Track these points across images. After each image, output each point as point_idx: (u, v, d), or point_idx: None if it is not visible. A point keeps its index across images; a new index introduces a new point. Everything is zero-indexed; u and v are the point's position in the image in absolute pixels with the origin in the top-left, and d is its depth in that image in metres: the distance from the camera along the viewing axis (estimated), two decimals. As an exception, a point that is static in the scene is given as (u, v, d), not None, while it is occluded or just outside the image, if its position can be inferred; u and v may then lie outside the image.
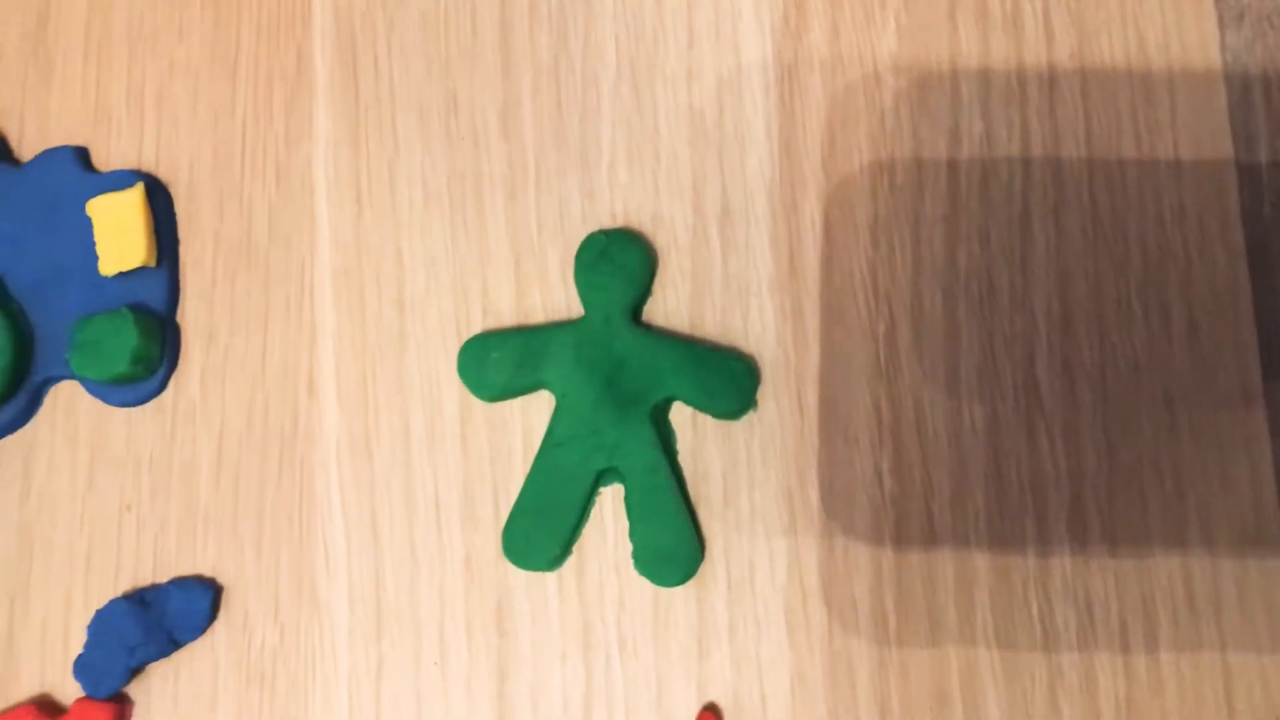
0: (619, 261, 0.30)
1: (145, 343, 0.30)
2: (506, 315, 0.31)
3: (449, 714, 0.29)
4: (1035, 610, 0.29)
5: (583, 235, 0.31)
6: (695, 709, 0.29)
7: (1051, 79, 0.31)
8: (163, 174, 0.32)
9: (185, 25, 0.33)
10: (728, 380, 0.30)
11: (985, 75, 0.32)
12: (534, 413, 0.31)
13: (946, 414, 0.30)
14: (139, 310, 0.30)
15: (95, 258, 0.31)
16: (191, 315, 0.31)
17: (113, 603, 0.29)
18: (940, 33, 0.32)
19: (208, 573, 0.30)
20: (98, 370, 0.30)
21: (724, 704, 0.29)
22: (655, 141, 0.32)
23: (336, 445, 0.31)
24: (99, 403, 0.31)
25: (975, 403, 0.30)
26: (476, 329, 0.31)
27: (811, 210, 0.31)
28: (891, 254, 0.31)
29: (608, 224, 0.31)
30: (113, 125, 0.32)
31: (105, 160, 0.32)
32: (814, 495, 0.30)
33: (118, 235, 0.30)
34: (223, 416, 0.31)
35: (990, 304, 0.31)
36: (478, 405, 0.31)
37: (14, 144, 0.32)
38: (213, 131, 0.32)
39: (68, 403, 0.31)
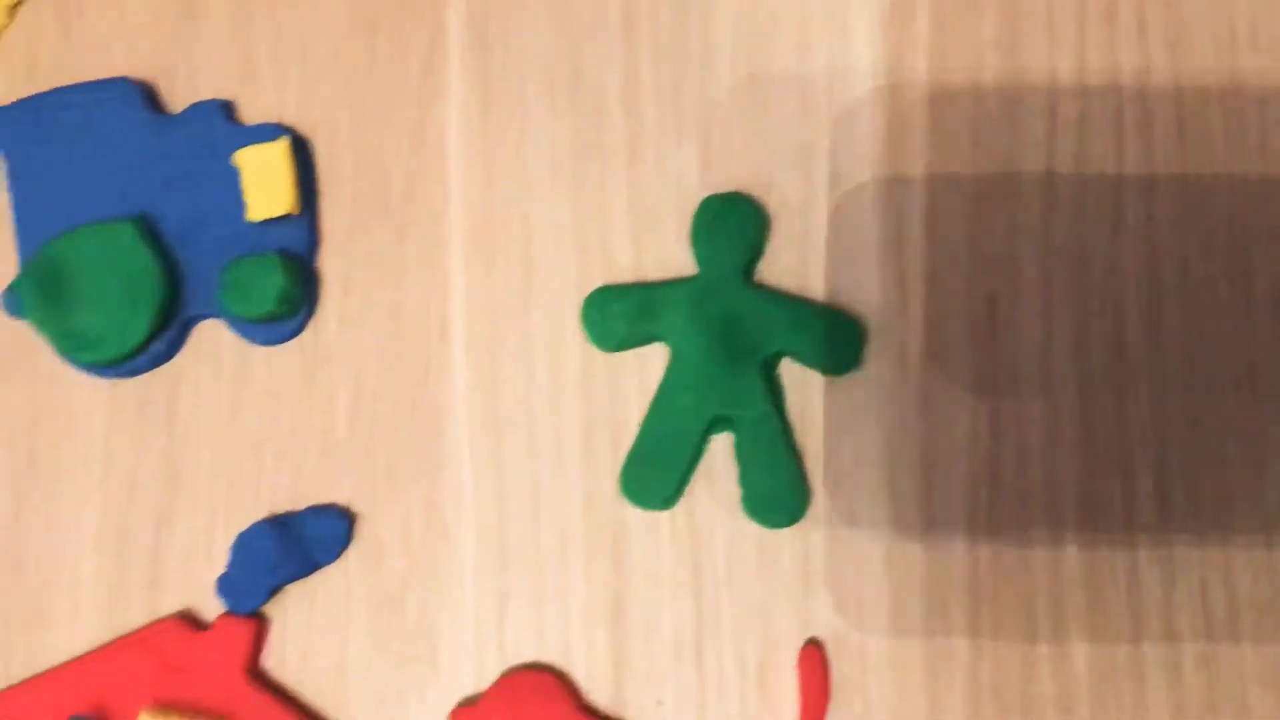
0: (735, 222, 0.32)
1: (290, 285, 0.32)
2: (625, 273, 0.33)
3: (568, 642, 0.31)
4: (1121, 568, 0.31)
5: (697, 200, 0.33)
6: (799, 644, 0.31)
7: (1147, 66, 0.33)
8: (303, 129, 0.34)
9: (327, -10, 0.34)
10: (837, 338, 0.32)
11: (1081, 55, 0.34)
12: (650, 364, 0.33)
13: (1041, 378, 0.32)
14: (284, 254, 0.32)
15: (241, 205, 0.32)
16: (330, 263, 0.33)
17: (256, 525, 0.32)
18: (1039, 20, 0.34)
19: (342, 503, 0.32)
20: (246, 309, 0.32)
21: (826, 641, 0.31)
22: (768, 113, 0.34)
23: (465, 389, 0.33)
24: (240, 341, 0.33)
25: (1068, 367, 0.32)
26: (597, 285, 0.33)
27: (915, 182, 0.33)
28: (991, 224, 0.33)
29: (722, 189, 0.33)
30: (256, 82, 0.34)
31: (249, 114, 0.34)
32: (915, 450, 0.32)
33: (264, 184, 0.32)
34: (359, 358, 0.33)
35: (1083, 273, 0.33)
36: (597, 355, 0.33)
37: (164, 97, 0.34)
38: (351, 91, 0.34)
39: (211, 340, 0.33)
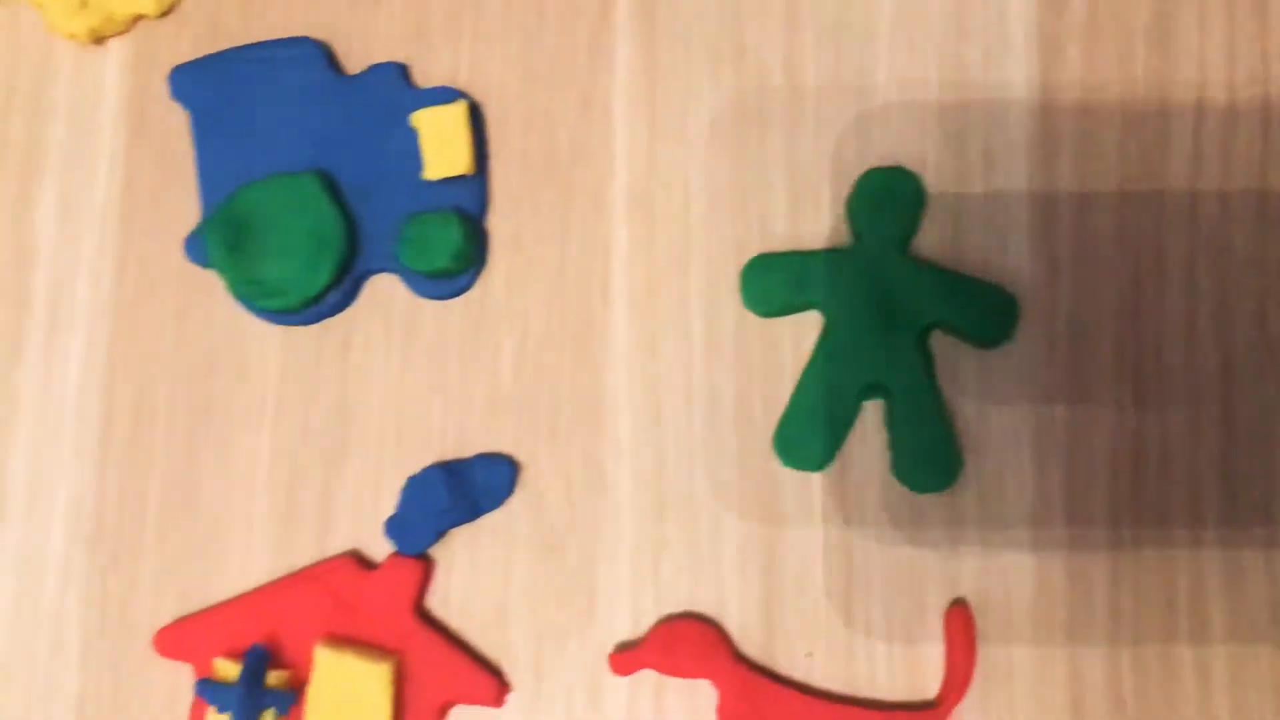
0: (894, 196, 0.34)
1: (465, 242, 0.33)
2: (780, 240, 0.34)
3: (721, 593, 0.33)
4: (1260, 536, 0.32)
5: (854, 172, 0.34)
6: (945, 604, 0.32)
7: (1300, 56, 0.34)
8: (475, 93, 0.35)
9: (500, -42, 0.36)
10: (990, 311, 0.33)
11: (1230, 45, 0.34)
12: (803, 330, 0.34)
13: (1184, 358, 0.33)
14: (459, 212, 0.33)
15: (418, 164, 0.34)
16: (498, 222, 0.35)
17: (426, 470, 0.33)
18: (1190, 10, 0.35)
19: (506, 452, 0.33)
20: (423, 263, 0.33)
21: (972, 600, 0.32)
22: (925, 91, 0.35)
23: (626, 347, 0.34)
24: (411, 295, 0.34)
25: (1210, 349, 0.33)
26: (753, 252, 0.34)
27: (1066, 164, 0.34)
28: (1138, 208, 0.34)
29: (878, 164, 0.34)
30: (430, 46, 0.35)
31: (423, 78, 0.35)
32: (1060, 422, 0.33)
33: (441, 144, 0.34)
34: (524, 315, 0.34)
35: (1226, 260, 0.34)
36: (752, 319, 0.34)
37: (341, 58, 0.35)
38: (521, 58, 0.35)
39: (384, 294, 0.34)
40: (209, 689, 0.31)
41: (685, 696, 0.32)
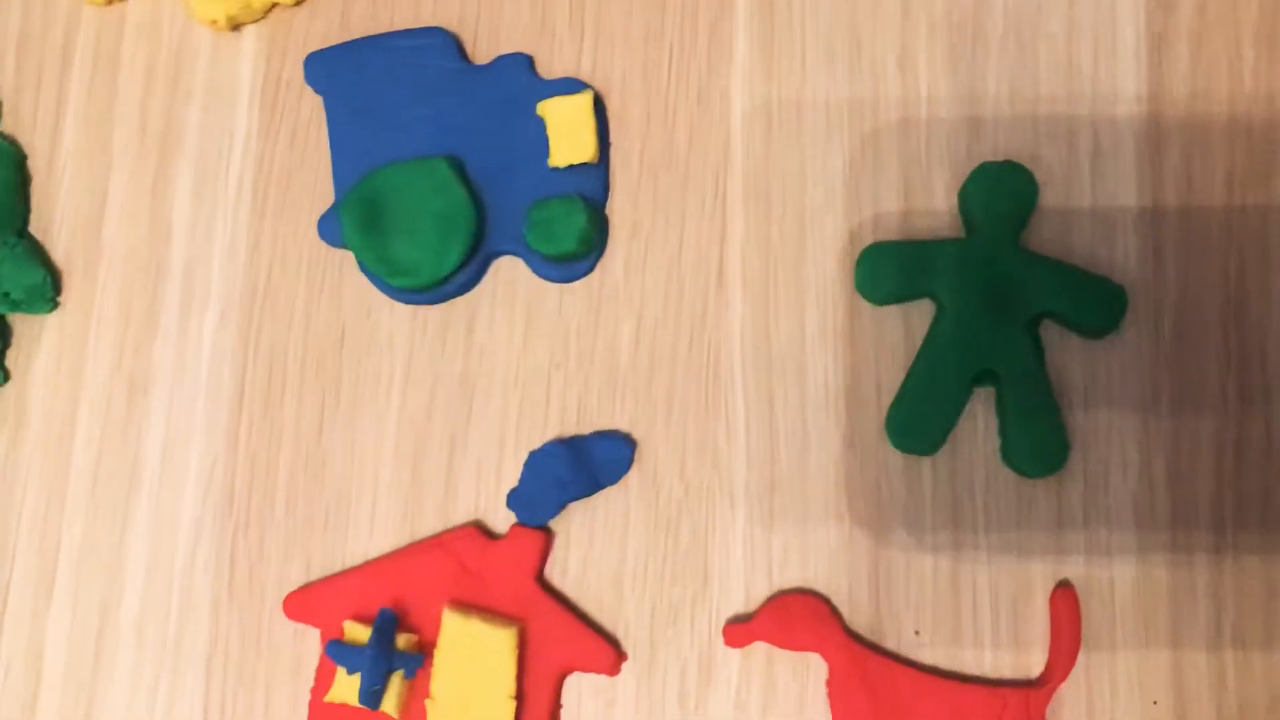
0: (1007, 188, 0.34)
1: (589, 227, 0.34)
2: (892, 230, 0.35)
3: (831, 571, 0.34)
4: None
5: (965, 166, 0.35)
6: (1051, 586, 0.33)
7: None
8: (597, 84, 0.36)
9: (623, -44, 0.37)
10: (1099, 302, 0.34)
11: (1338, 52, 0.35)
12: (914, 317, 0.35)
13: (1288, 348, 0.34)
14: (583, 198, 0.35)
15: (544, 151, 0.35)
16: (618, 209, 0.36)
17: (549, 445, 0.34)
18: (1297, 11, 0.36)
19: (624, 429, 0.35)
20: (548, 246, 0.34)
21: (1076, 584, 0.33)
22: (1035, 89, 0.36)
23: (740, 331, 0.35)
24: (534, 278, 0.35)
25: (1314, 341, 0.34)
26: (867, 241, 0.35)
27: (1173, 159, 0.35)
28: (1244, 202, 0.35)
29: (989, 158, 0.35)
30: (555, 39, 0.37)
31: (548, 69, 0.36)
32: (1165, 414, 0.34)
33: (567, 133, 0.35)
34: (642, 298, 0.35)
35: (1331, 256, 0.34)
36: (865, 306, 0.35)
37: (469, 49, 0.37)
38: (643, 51, 0.36)
39: (508, 276, 0.36)
40: (340, 650, 0.32)
41: (795, 669, 0.33)
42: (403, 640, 0.33)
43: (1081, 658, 0.33)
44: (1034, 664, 0.33)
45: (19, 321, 0.36)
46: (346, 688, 0.32)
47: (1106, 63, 0.36)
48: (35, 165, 0.37)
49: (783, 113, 0.36)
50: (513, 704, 0.32)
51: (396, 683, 0.32)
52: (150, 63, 0.37)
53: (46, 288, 0.36)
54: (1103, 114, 0.36)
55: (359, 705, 0.32)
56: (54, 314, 0.36)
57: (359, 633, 0.33)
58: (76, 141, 0.37)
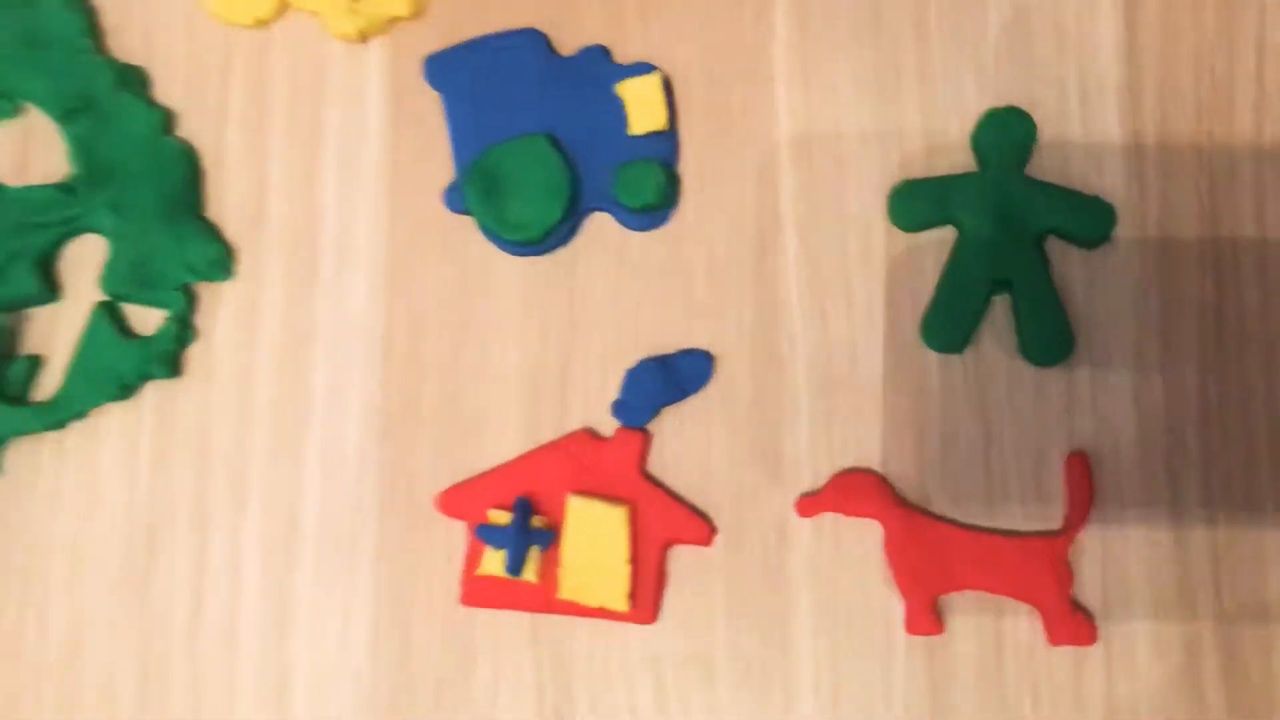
0: (1011, 129, 0.41)
1: (665, 182, 0.42)
2: (917, 169, 0.42)
3: (883, 452, 0.41)
4: (1324, 390, 0.40)
5: (973, 112, 0.42)
6: (1066, 453, 0.40)
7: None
8: (664, 66, 0.43)
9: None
10: (1093, 218, 0.41)
11: (1286, -2, 0.42)
12: (939, 242, 0.42)
13: (1257, 247, 0.41)
14: (659, 160, 0.42)
15: (624, 123, 0.42)
16: (687, 167, 0.43)
17: (642, 362, 0.42)
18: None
19: (703, 347, 0.42)
20: (633, 200, 0.42)
21: (1086, 451, 0.40)
22: (1029, 45, 0.43)
23: (794, 257, 0.42)
24: (622, 229, 0.43)
25: (1278, 236, 0.41)
26: (895, 180, 0.42)
27: (1149, 98, 0.42)
28: (1210, 130, 0.42)
29: (994, 104, 0.42)
30: (626, 30, 0.44)
31: (622, 56, 0.44)
32: (1154, 304, 0.41)
33: (642, 107, 0.42)
34: (711, 240, 0.43)
35: (1289, 169, 0.41)
36: (898, 234, 0.42)
37: (556, 44, 0.44)
38: (699, 35, 0.44)
39: (599, 228, 0.43)
40: (487, 532, 0.40)
41: (857, 533, 0.40)
42: (536, 521, 0.40)
43: (1094, 511, 0.40)
44: (1056, 518, 0.40)
45: (203, 289, 0.44)
46: (494, 562, 0.40)
47: (1089, 20, 0.43)
48: (206, 162, 0.44)
49: (819, 76, 0.43)
50: (628, 568, 0.40)
51: (534, 555, 0.40)
52: (295, 73, 0.45)
53: (224, 260, 0.43)
54: (1088, 63, 0.42)
55: (504, 575, 0.40)
56: (230, 282, 0.44)
57: (500, 518, 0.40)
58: (238, 141, 0.45)
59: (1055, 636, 0.39)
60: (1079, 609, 0.39)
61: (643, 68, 0.43)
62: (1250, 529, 0.40)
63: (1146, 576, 0.40)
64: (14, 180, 0.45)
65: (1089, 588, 0.40)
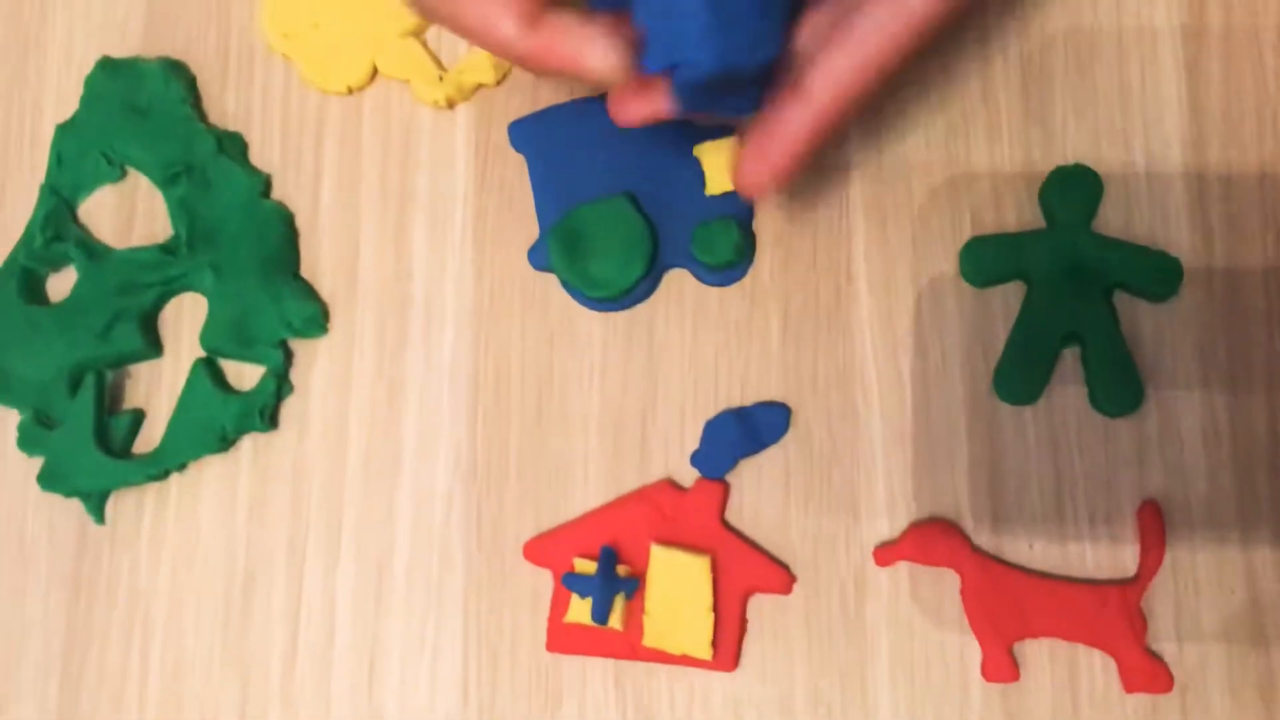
0: (1078, 186, 0.43)
1: (742, 240, 0.43)
2: (988, 226, 0.44)
3: (957, 501, 0.42)
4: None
5: (1040, 170, 0.44)
6: (1138, 501, 0.41)
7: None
8: (739, 129, 0.45)
9: (752, 26, 0.46)
10: (1160, 273, 0.42)
11: (1346, 57, 0.43)
12: (1010, 296, 0.43)
13: (1322, 300, 0.42)
14: (736, 219, 0.44)
15: (701, 183, 0.44)
16: (763, 224, 0.45)
17: (721, 414, 0.43)
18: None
19: (779, 399, 0.43)
20: (711, 258, 0.43)
21: (1158, 499, 0.41)
22: (1095, 105, 0.44)
23: (868, 314, 0.44)
24: (699, 284, 0.45)
25: (1343, 293, 0.42)
26: (965, 237, 0.44)
27: (1213, 153, 0.43)
28: (1275, 186, 0.43)
29: (1060, 162, 0.44)
30: (702, 95, 0.46)
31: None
32: (1221, 356, 0.42)
33: (718, 168, 0.44)
34: (786, 294, 0.44)
35: (1353, 223, 0.42)
36: (969, 289, 0.43)
37: (634, 108, 0.46)
38: (773, 99, 0.46)
39: (678, 285, 0.45)
40: (574, 580, 0.41)
41: (934, 581, 0.42)
42: (621, 570, 0.42)
43: (1167, 558, 0.41)
44: (1129, 567, 0.41)
45: (299, 346, 0.46)
46: (580, 610, 0.41)
47: (1152, 78, 0.44)
48: (301, 222, 0.47)
49: (890, 135, 0.45)
50: (711, 616, 0.41)
51: (619, 603, 0.41)
52: (385, 137, 0.47)
53: (319, 317, 0.46)
54: (1152, 120, 0.44)
55: (590, 623, 0.41)
56: (325, 338, 0.46)
57: (586, 567, 0.42)
58: (332, 202, 0.47)
59: (1130, 684, 0.40)
60: (1154, 656, 0.40)
61: (718, 131, 0.45)
62: (1324, 577, 0.40)
63: (1220, 623, 0.40)
64: (118, 242, 0.47)
65: (1163, 635, 0.40)
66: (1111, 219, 0.43)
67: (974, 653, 0.41)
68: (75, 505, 0.45)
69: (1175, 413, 0.42)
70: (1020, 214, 0.44)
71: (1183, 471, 0.41)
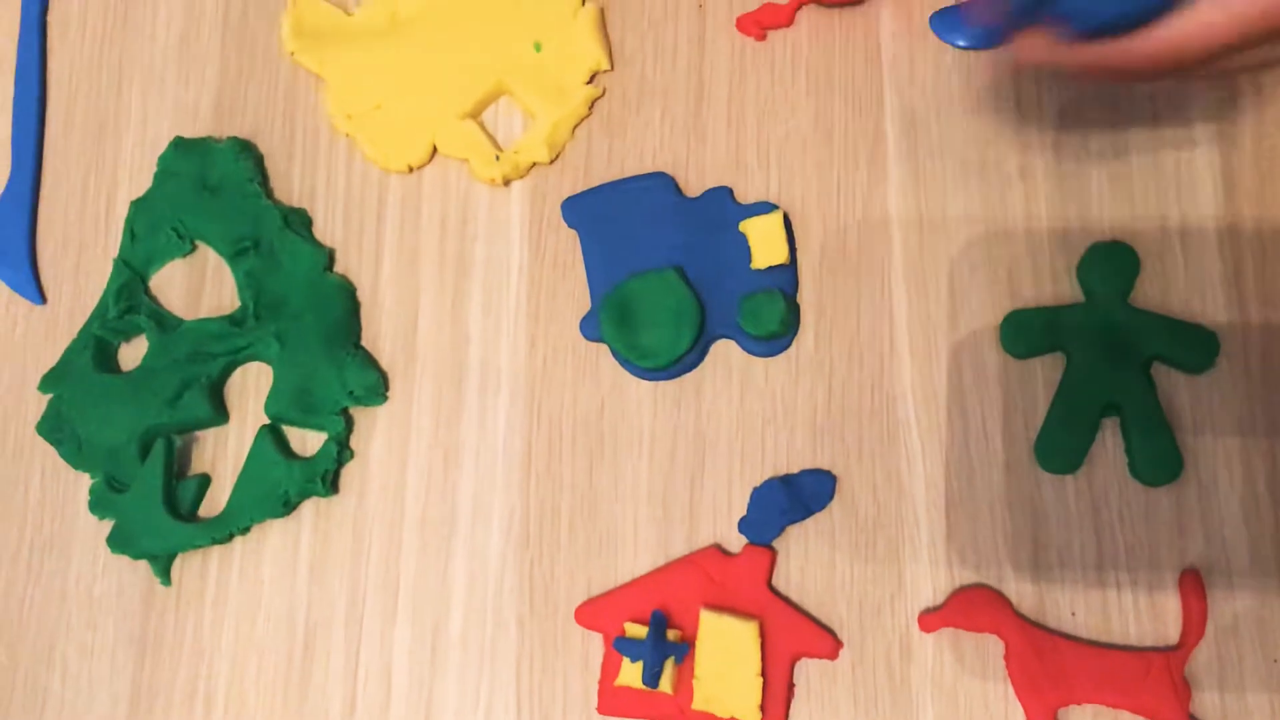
0: (1115, 261, 0.44)
1: (787, 312, 0.45)
2: (1026, 299, 0.45)
3: (1000, 568, 0.43)
4: None
5: (1078, 245, 0.45)
6: (1179, 569, 0.42)
7: None
8: (784, 204, 0.47)
9: (796, 104, 0.48)
10: (1196, 345, 0.43)
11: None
12: (1049, 367, 0.44)
13: (1358, 373, 0.43)
14: (782, 291, 0.45)
15: (748, 257, 0.46)
16: (807, 297, 0.46)
17: (768, 482, 0.44)
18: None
19: (825, 466, 0.45)
20: (757, 329, 0.45)
21: (1199, 567, 0.42)
22: (1130, 184, 0.45)
23: (911, 385, 0.45)
24: (745, 355, 0.46)
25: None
26: (1005, 310, 0.45)
27: (1248, 228, 0.45)
28: (1310, 262, 0.44)
29: (1099, 239, 0.45)
30: (748, 173, 0.48)
31: (744, 196, 0.48)
32: (1260, 428, 0.43)
33: (765, 243, 0.46)
34: (831, 365, 0.46)
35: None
36: (1010, 361, 0.45)
37: (682, 185, 0.48)
38: (817, 177, 0.47)
39: (724, 355, 0.46)
40: (625, 644, 0.42)
41: (978, 647, 0.42)
42: (671, 635, 0.43)
43: (1210, 626, 0.41)
44: (1171, 634, 0.42)
45: (359, 413, 0.48)
46: (631, 673, 0.42)
47: (1187, 157, 0.46)
48: (363, 294, 0.49)
49: (930, 214, 0.46)
50: (759, 681, 0.42)
51: (669, 667, 0.42)
52: (444, 213, 0.49)
53: (379, 386, 0.47)
54: (1187, 197, 0.45)
55: (641, 686, 0.42)
56: (384, 405, 0.48)
57: (636, 631, 0.43)
58: (392, 275, 0.49)
59: (1175, 751, 0.40)
60: (1198, 724, 0.41)
61: (764, 206, 0.46)
62: (1366, 647, 0.41)
63: (1264, 691, 0.41)
64: (187, 313, 0.49)
65: (1207, 702, 0.41)
66: (1149, 293, 0.44)
67: (1018, 718, 0.41)
68: (143, 566, 0.47)
69: (1215, 482, 0.43)
70: (1058, 286, 0.45)
71: (1224, 540, 0.42)
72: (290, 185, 0.50)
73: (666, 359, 0.45)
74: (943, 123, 0.47)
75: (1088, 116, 0.46)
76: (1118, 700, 0.41)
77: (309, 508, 0.47)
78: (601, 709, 0.43)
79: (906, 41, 0.48)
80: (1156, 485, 0.43)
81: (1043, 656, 0.41)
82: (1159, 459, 0.42)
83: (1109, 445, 0.43)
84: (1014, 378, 0.45)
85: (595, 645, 0.44)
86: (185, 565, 0.47)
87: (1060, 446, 0.43)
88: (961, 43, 0.47)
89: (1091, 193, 0.46)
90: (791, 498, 0.44)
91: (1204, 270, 0.44)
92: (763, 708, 0.42)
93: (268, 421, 0.48)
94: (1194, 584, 0.41)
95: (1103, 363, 0.43)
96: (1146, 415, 0.43)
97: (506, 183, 0.49)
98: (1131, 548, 0.42)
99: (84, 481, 0.47)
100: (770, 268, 0.46)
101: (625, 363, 0.46)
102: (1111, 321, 0.43)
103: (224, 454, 0.48)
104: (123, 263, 0.49)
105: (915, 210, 0.46)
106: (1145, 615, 0.42)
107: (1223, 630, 0.41)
